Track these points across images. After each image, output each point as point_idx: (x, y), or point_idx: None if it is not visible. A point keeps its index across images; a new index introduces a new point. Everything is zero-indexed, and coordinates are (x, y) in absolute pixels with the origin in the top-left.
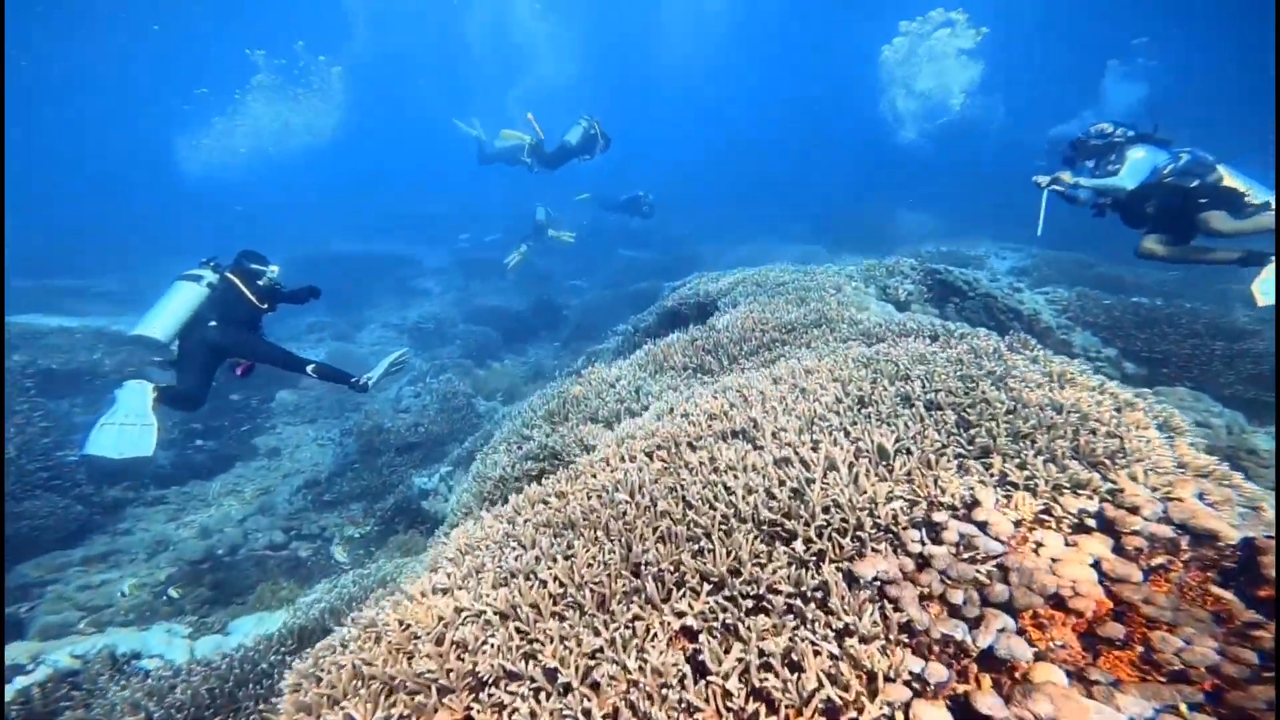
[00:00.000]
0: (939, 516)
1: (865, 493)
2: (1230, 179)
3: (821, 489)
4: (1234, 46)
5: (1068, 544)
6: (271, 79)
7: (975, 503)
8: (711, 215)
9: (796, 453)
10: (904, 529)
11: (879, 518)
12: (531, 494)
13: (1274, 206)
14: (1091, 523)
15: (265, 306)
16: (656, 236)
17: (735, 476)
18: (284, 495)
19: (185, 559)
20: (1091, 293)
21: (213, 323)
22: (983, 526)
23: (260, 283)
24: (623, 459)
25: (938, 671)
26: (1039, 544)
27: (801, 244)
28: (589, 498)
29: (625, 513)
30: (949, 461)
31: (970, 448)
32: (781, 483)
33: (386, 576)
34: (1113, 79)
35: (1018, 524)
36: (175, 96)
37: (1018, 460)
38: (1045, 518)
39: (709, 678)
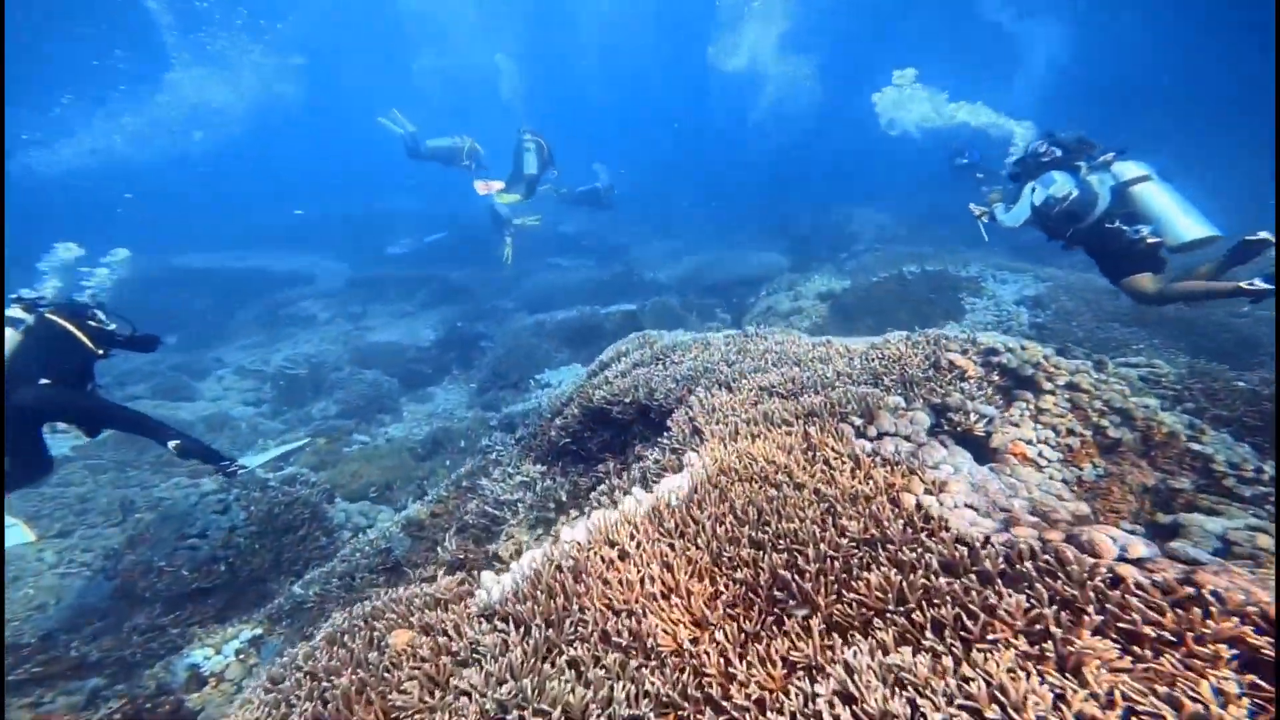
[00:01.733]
0: None
1: None
2: (1153, 205)
3: None
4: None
5: None
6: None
7: None
8: (651, 218)
9: None
10: None
11: None
12: None
13: (1195, 240)
14: None
15: (101, 352)
16: (595, 243)
17: None
18: None
19: None
20: (1210, 367)
21: (44, 380)
22: None
23: (92, 323)
24: None
25: None
26: None
27: (756, 250)
28: None
29: None
30: None
31: None
32: None
33: None
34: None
35: None
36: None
37: None
38: None
39: None
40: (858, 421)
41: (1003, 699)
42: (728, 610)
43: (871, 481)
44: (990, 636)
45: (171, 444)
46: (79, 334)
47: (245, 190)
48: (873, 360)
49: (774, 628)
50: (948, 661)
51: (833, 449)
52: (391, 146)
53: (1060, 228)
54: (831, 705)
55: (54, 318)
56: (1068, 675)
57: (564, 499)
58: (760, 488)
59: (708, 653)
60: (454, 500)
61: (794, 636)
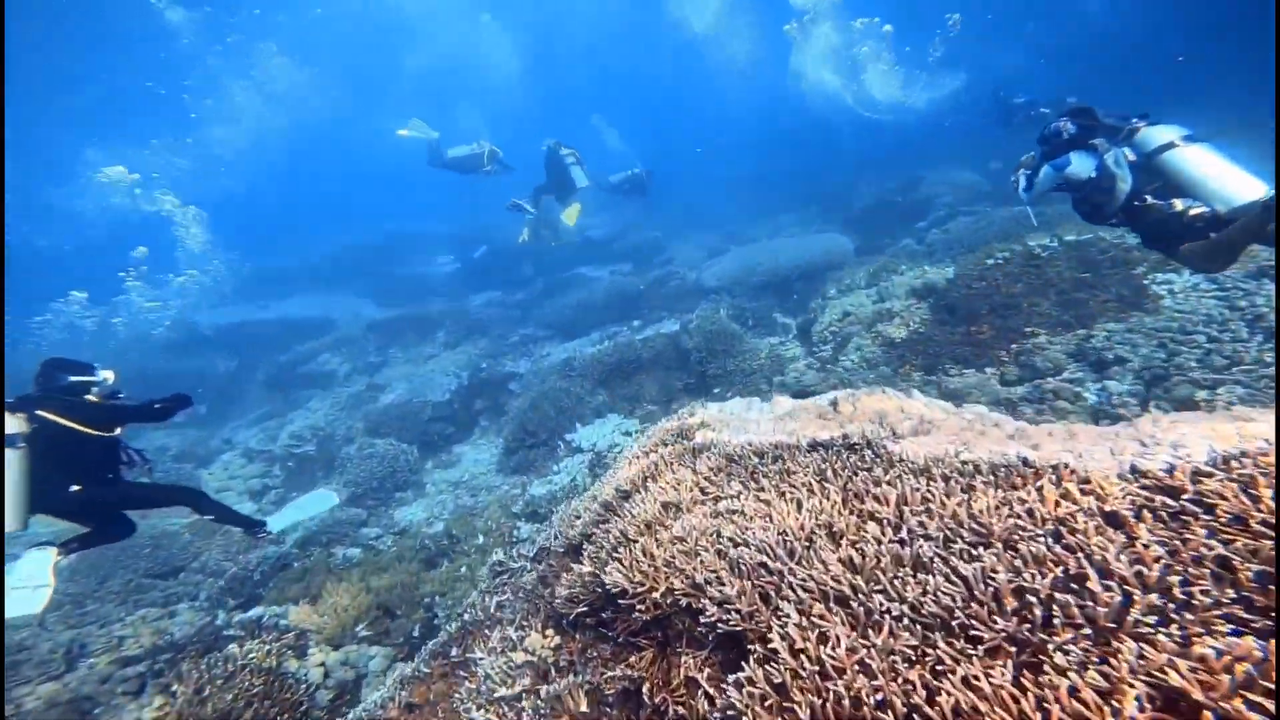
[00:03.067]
0: None
1: None
2: (1186, 172)
3: None
4: None
5: None
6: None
7: None
8: (679, 206)
9: None
10: None
11: None
12: None
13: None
14: None
15: (116, 431)
16: (627, 246)
17: None
18: None
19: None
20: None
21: (75, 487)
22: None
23: (89, 397)
24: None
25: None
26: None
27: (810, 232)
28: None
29: None
30: None
31: None
32: None
33: None
34: None
35: None
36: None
37: None
38: None
39: None
40: None
41: None
42: None
43: None
44: None
45: (207, 516)
46: (76, 426)
47: (268, 226)
48: (1168, 524)
49: None
50: None
51: None
52: (406, 166)
53: (1092, 215)
54: None
55: (46, 415)
56: None
57: (583, 708)
58: None
59: None
60: (438, 683)
61: None
